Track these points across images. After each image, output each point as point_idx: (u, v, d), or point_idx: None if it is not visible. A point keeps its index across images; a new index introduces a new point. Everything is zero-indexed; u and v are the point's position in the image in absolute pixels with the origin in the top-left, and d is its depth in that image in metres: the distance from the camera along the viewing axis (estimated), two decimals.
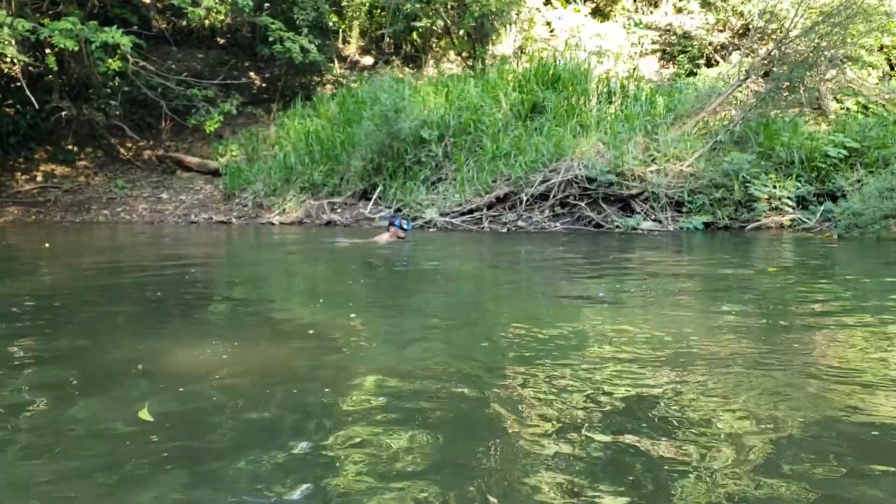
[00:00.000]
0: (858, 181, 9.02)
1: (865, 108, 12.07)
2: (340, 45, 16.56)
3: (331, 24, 15.46)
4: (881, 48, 12.69)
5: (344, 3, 16.15)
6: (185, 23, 14.71)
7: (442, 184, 10.50)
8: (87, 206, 12.84)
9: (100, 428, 2.22)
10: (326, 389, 2.61)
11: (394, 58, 16.24)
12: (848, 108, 12.27)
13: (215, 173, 13.47)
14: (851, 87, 12.24)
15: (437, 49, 16.21)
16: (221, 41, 16.71)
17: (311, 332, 3.60)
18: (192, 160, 13.98)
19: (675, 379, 2.70)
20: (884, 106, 11.99)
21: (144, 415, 2.27)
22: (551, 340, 3.34)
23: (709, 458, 1.94)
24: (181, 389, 2.59)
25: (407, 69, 15.76)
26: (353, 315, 4.04)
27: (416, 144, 10.82)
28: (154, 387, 2.65)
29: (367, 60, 16.56)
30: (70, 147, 14.16)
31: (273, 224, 10.93)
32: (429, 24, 15.33)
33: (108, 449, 2.05)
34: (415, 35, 15.93)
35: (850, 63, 11.49)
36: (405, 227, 7.83)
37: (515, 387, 2.62)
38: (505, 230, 9.30)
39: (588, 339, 3.35)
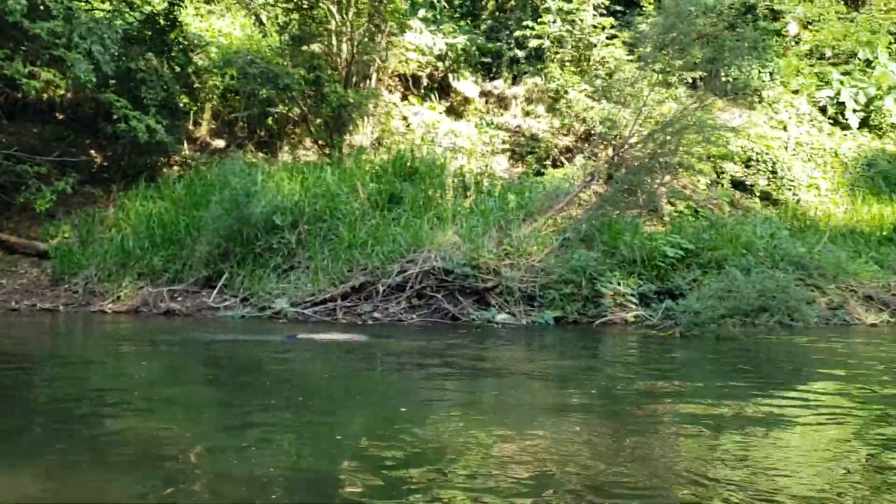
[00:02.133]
0: (694, 280, 9.59)
1: (696, 211, 13.05)
2: (191, 127, 16.01)
3: (181, 104, 14.95)
4: (709, 157, 13.90)
5: (196, 85, 15.72)
6: (20, 95, 13.71)
7: (294, 272, 10.12)
8: None
9: None
10: None
11: (247, 142, 15.88)
12: (681, 212, 13.21)
13: (43, 256, 12.31)
14: (684, 191, 13.24)
15: (293, 136, 16.05)
16: (61, 116, 15.68)
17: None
18: (16, 241, 12.72)
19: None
20: (712, 210, 13.02)
21: None
22: (405, 446, 3.11)
23: None
24: None
25: (261, 154, 15.44)
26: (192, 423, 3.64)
27: (267, 230, 10.42)
28: None
29: (219, 143, 16.08)
30: None
31: (105, 312, 10.04)
32: (285, 111, 15.20)
33: None
34: (270, 121, 15.71)
35: (682, 169, 12.45)
36: None
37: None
38: (360, 322, 9.03)
39: (448, 446, 3.14)
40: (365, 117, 15.45)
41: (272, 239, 10.37)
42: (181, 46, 14.70)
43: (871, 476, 2.85)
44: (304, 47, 14.84)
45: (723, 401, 4.37)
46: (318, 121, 15.13)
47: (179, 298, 10.22)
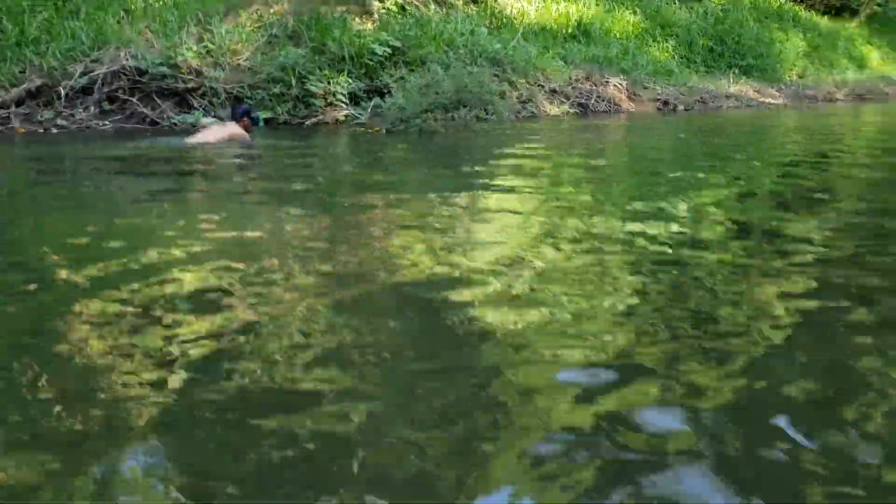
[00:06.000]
0: (401, 78, 9.79)
1: (403, 8, 13.05)
2: None
3: None
4: None
5: None
6: None
7: None
8: None
9: None
10: None
11: None
12: (388, 9, 13.13)
13: None
14: None
15: None
16: None
17: None
18: None
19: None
20: (417, 7, 13.10)
21: None
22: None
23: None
24: None
25: None
26: None
27: None
28: None
29: None
30: None
31: None
32: None
33: None
34: None
35: None
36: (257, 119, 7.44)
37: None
38: (42, 130, 8.05)
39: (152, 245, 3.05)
40: None
41: None
42: None
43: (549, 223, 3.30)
44: None
45: (426, 191, 4.69)
46: None
47: None
